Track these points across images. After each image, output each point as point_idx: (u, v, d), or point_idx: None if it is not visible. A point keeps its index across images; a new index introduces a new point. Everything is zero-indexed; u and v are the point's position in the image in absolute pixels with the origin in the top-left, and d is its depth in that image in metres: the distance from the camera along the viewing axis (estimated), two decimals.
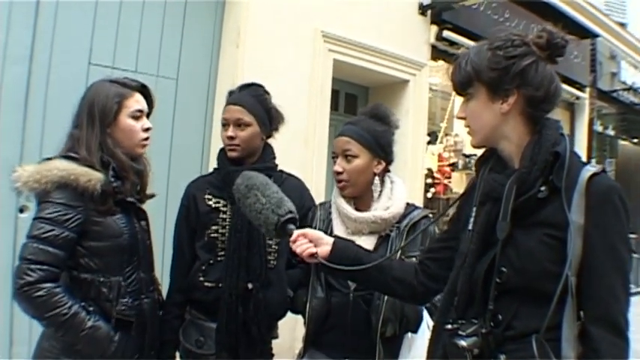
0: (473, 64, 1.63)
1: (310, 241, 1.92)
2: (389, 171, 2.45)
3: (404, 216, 2.34)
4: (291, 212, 1.93)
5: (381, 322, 2.22)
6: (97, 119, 2.14)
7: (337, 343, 2.31)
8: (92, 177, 2.03)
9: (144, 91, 2.31)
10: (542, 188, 1.54)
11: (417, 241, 2.32)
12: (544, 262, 1.51)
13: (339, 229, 2.35)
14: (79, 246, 2.07)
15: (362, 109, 2.53)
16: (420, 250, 2.28)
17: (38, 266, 1.94)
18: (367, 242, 2.27)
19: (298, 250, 1.91)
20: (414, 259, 2.22)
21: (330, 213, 2.43)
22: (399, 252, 2.24)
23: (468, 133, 1.73)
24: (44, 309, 1.94)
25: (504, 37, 1.62)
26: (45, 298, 1.93)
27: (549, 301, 1.44)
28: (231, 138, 2.47)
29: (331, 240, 1.93)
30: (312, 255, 1.90)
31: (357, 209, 2.35)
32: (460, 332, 1.57)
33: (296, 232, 1.92)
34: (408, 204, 2.40)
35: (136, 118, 2.22)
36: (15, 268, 1.97)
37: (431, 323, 2.25)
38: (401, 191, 2.40)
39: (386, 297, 2.21)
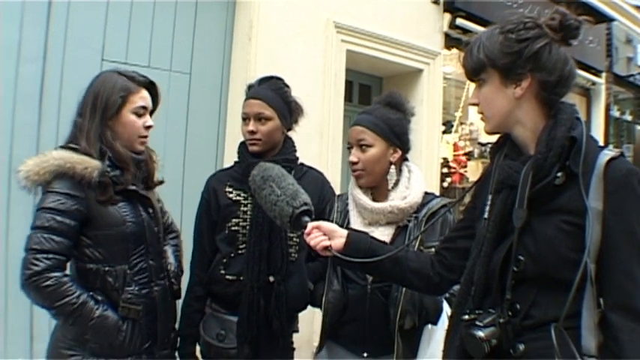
0: (485, 49, 1.60)
1: (324, 234, 1.90)
2: (406, 159, 2.42)
3: (422, 205, 2.31)
4: (306, 204, 1.92)
5: (399, 314, 2.20)
6: (99, 110, 2.15)
7: (355, 335, 2.30)
8: (89, 165, 2.05)
9: (151, 87, 2.31)
10: (559, 174, 1.52)
11: (436, 230, 2.28)
12: (562, 250, 1.48)
13: (355, 221, 2.33)
14: (83, 236, 2.10)
15: (376, 98, 2.50)
16: (439, 239, 2.25)
17: (44, 255, 1.97)
18: (385, 233, 2.26)
19: (312, 243, 1.90)
20: (433, 249, 2.20)
21: (347, 205, 2.41)
22: (418, 243, 2.22)
23: (482, 119, 1.71)
24: (53, 298, 1.98)
25: (516, 20, 1.60)
26: (54, 287, 1.97)
27: (568, 289, 1.42)
28: (253, 132, 2.47)
29: (345, 233, 1.92)
30: (326, 248, 1.89)
31: (375, 200, 2.33)
32: (477, 323, 1.56)
33: (310, 225, 1.91)
34: (426, 193, 2.37)
35: (139, 114, 2.22)
36: (22, 260, 1.99)
37: None
38: (419, 180, 2.37)
39: (404, 289, 2.19)
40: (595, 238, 1.44)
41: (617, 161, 1.50)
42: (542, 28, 1.57)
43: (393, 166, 2.34)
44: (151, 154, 2.37)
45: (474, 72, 1.65)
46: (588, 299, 1.43)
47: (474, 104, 1.71)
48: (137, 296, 2.15)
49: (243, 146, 2.58)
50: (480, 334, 1.53)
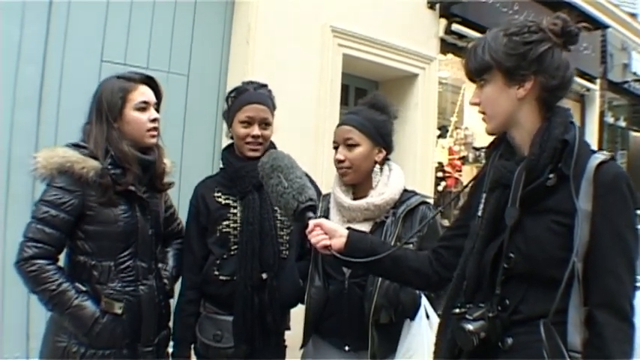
0: (490, 50, 1.64)
1: (325, 233, 1.92)
2: (388, 159, 2.47)
3: (401, 202, 2.36)
4: (311, 199, 1.95)
5: (374, 308, 2.24)
6: (104, 115, 2.26)
7: (336, 329, 2.36)
8: (86, 164, 2.18)
9: (150, 82, 2.39)
10: (551, 176, 1.56)
11: (415, 227, 2.32)
12: (551, 249, 1.53)
13: (335, 218, 2.39)
14: (77, 229, 2.23)
15: (361, 100, 2.57)
16: (417, 236, 2.30)
17: (34, 243, 2.13)
18: (362, 229, 2.29)
19: (313, 241, 1.93)
20: (411, 245, 2.25)
21: (329, 203, 2.47)
22: (395, 239, 2.27)
23: (483, 119, 1.74)
24: (34, 283, 2.13)
25: (519, 24, 1.64)
26: (36, 273, 2.11)
27: (556, 287, 1.46)
28: (257, 137, 2.51)
29: (346, 232, 1.94)
30: (326, 247, 1.91)
31: (355, 197, 2.38)
32: (467, 316, 1.60)
33: (312, 223, 1.93)
34: (406, 190, 2.41)
35: (141, 109, 2.31)
36: (19, 245, 2.16)
37: (430, 309, 2.27)
38: (397, 178, 2.42)
39: (379, 284, 2.24)
40: (583, 238, 1.49)
41: (607, 165, 1.54)
42: (546, 32, 1.61)
43: (377, 165, 2.39)
44: (163, 156, 2.46)
45: (478, 72, 1.69)
46: (575, 297, 1.48)
47: (475, 104, 1.74)
48: (119, 292, 2.24)
49: (227, 152, 2.64)
50: (469, 327, 1.57)
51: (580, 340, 1.46)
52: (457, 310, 1.64)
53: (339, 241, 1.92)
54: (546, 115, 1.64)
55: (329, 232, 1.93)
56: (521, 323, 1.57)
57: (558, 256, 1.51)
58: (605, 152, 1.61)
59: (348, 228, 2.02)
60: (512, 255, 1.59)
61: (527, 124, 1.65)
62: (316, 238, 1.92)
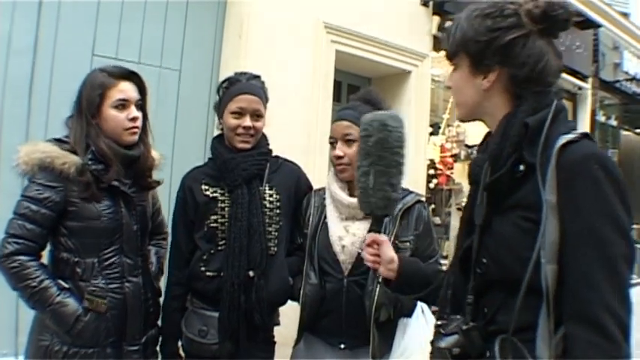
0: (461, 31, 1.49)
1: (378, 255, 1.82)
2: None
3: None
4: (385, 216, 1.88)
5: (375, 306, 2.23)
6: (83, 110, 2.23)
7: (332, 328, 2.34)
8: (67, 160, 2.14)
9: (133, 78, 2.33)
10: (521, 167, 1.36)
11: (411, 225, 2.33)
12: (519, 249, 1.32)
13: (332, 216, 2.37)
14: (61, 226, 2.19)
15: (354, 95, 2.54)
16: (413, 234, 2.31)
17: (15, 239, 2.10)
18: (361, 227, 2.29)
19: (364, 256, 1.85)
20: (408, 243, 2.26)
21: (324, 199, 2.44)
22: (393, 237, 2.26)
23: (455, 104, 1.59)
24: (16, 280, 2.09)
25: (499, 5, 1.46)
26: (17, 269, 2.08)
27: (534, 293, 1.26)
28: (249, 128, 2.46)
29: (396, 262, 1.81)
30: (375, 270, 1.86)
31: (351, 194, 2.36)
32: (442, 330, 1.44)
33: (369, 237, 1.83)
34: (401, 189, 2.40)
35: (119, 107, 2.25)
36: None
37: (425, 308, 2.27)
38: None
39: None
40: (552, 236, 1.26)
41: (574, 145, 1.30)
42: (521, 17, 1.41)
43: None
44: (149, 152, 2.40)
45: (450, 55, 1.54)
46: (544, 306, 1.26)
47: (448, 87, 1.59)
48: (103, 290, 2.20)
49: (216, 142, 2.58)
50: (442, 344, 1.42)
51: (548, 355, 1.25)
52: (439, 322, 1.48)
53: (389, 273, 1.81)
54: (517, 104, 1.44)
55: (382, 254, 1.81)
56: (499, 335, 1.33)
57: (528, 257, 1.28)
58: (578, 131, 1.36)
59: (374, 239, 1.91)
60: (484, 260, 1.41)
61: (499, 114, 1.46)
62: (368, 257, 1.83)
